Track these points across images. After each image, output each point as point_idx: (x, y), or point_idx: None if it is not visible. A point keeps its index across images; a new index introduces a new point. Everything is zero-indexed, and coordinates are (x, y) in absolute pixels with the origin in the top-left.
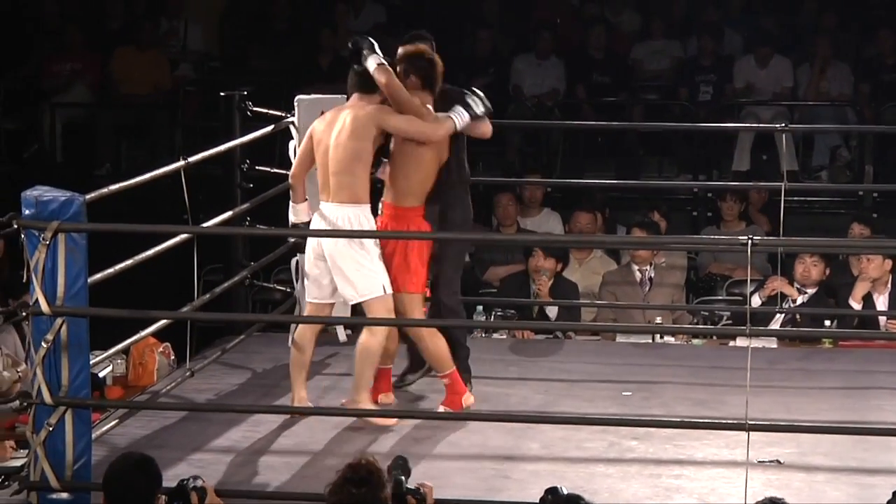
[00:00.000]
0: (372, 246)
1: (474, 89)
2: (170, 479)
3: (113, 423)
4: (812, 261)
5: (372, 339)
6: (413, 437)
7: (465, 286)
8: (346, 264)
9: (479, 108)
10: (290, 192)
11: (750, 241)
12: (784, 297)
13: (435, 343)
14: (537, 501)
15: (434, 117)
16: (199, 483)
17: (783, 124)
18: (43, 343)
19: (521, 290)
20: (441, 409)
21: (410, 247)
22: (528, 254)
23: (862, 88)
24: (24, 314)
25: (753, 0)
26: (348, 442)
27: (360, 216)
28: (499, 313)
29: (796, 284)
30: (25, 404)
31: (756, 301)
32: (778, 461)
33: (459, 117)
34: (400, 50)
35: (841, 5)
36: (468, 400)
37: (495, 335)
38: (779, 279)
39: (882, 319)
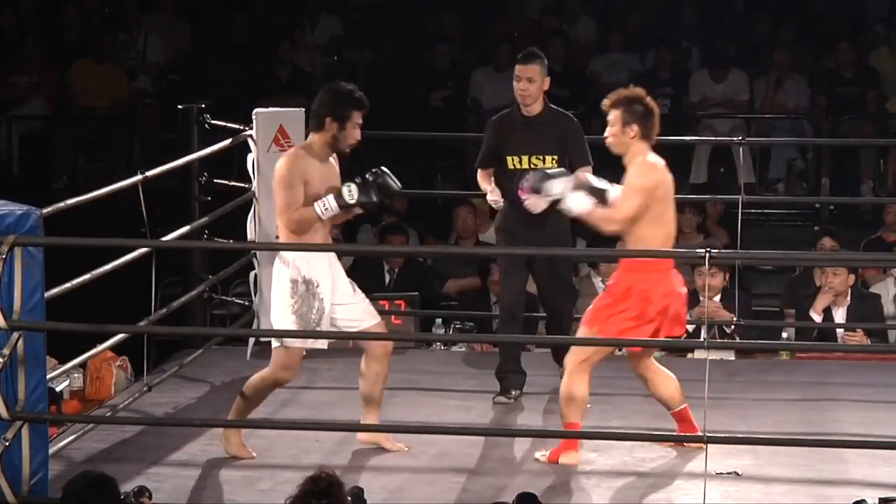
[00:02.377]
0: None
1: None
2: None
3: (70, 437)
4: (711, 271)
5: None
6: (372, 450)
7: (423, 299)
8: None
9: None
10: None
11: (707, 254)
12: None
13: (574, 383)
14: None
15: None
16: (143, 499)
17: (740, 137)
18: None
19: (480, 303)
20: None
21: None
22: (486, 268)
23: (818, 101)
24: None
25: (710, 13)
26: (306, 455)
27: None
28: (458, 326)
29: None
30: None
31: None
32: (736, 473)
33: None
34: (613, 95)
35: (797, 19)
36: (570, 459)
37: (454, 348)
38: (713, 303)
39: (839, 332)
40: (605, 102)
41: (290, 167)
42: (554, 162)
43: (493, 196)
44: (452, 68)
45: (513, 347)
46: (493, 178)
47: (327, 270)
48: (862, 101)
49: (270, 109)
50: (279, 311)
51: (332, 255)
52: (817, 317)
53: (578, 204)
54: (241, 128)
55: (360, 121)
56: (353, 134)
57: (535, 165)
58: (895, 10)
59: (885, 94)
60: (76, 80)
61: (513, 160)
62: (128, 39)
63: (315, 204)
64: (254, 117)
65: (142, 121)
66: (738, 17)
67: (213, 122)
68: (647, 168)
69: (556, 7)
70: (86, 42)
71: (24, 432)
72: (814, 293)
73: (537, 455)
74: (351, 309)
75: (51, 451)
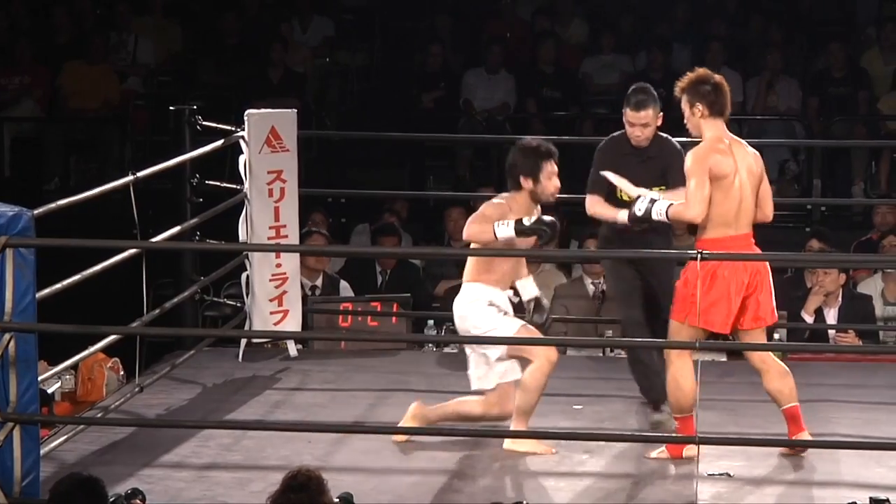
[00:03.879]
0: None
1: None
2: None
3: (62, 439)
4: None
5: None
6: (363, 451)
7: (416, 300)
8: None
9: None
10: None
11: (699, 255)
12: None
13: (676, 381)
14: None
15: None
16: (135, 501)
17: None
18: None
19: None
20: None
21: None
22: None
23: (810, 103)
24: None
25: (701, 15)
26: (298, 457)
27: None
28: (450, 327)
29: None
30: None
31: None
32: (728, 474)
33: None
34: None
35: (788, 20)
36: (689, 451)
37: (446, 349)
38: None
39: (831, 332)
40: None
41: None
42: (662, 191)
43: (623, 217)
44: (444, 70)
45: (647, 356)
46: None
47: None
48: (853, 103)
49: (262, 111)
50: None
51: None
52: (809, 318)
53: (656, 211)
54: (233, 129)
55: (553, 168)
56: (549, 185)
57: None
58: (885, 12)
59: (876, 95)
60: (67, 81)
61: (621, 192)
62: (119, 41)
63: (495, 223)
64: (245, 118)
65: (133, 122)
66: (729, 18)
67: (204, 123)
68: (703, 148)
69: (548, 8)
70: (77, 44)
71: (16, 434)
72: (805, 295)
73: (653, 454)
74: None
75: (42, 452)
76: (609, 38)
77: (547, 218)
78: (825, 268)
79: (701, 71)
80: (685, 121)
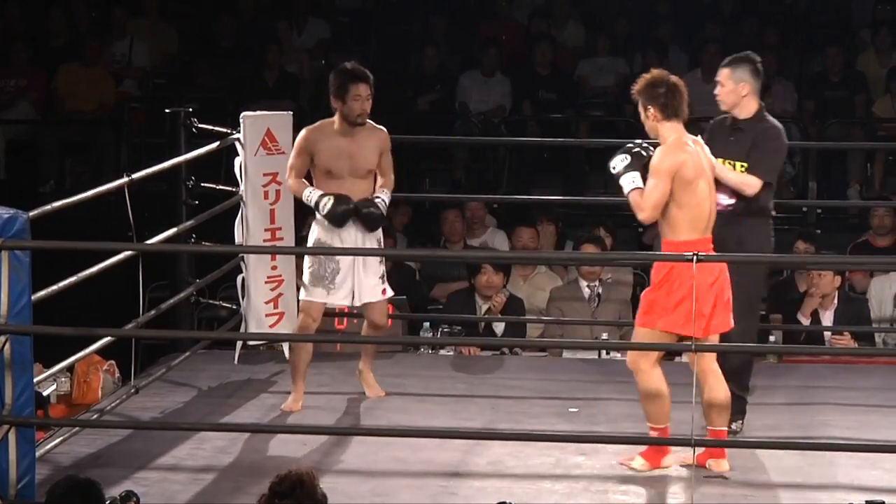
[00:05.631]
0: None
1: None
2: None
3: (57, 441)
4: None
5: None
6: (359, 454)
7: (412, 303)
8: None
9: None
10: None
11: (695, 257)
12: None
13: (647, 389)
14: None
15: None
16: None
17: None
18: None
19: (467, 307)
20: (640, 461)
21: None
22: (475, 271)
23: (806, 105)
24: None
25: (697, 17)
26: (293, 459)
27: None
28: (445, 329)
29: None
30: None
31: None
32: (723, 476)
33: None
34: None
35: (783, 23)
36: (667, 461)
37: (442, 351)
38: None
39: (827, 335)
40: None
41: (301, 138)
42: (743, 169)
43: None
44: (440, 72)
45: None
46: None
47: (351, 237)
48: (849, 105)
49: (258, 113)
50: (304, 269)
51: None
52: (805, 320)
53: (624, 185)
54: (229, 131)
55: (361, 92)
56: (355, 107)
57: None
58: (880, 15)
59: (871, 98)
60: (63, 83)
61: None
62: (114, 44)
63: (306, 190)
64: (241, 121)
65: (129, 124)
66: (724, 20)
67: (200, 125)
68: (669, 150)
69: (544, 11)
70: (73, 46)
71: (11, 436)
72: (798, 297)
73: (580, 460)
74: (368, 281)
75: (38, 454)
76: (605, 41)
77: (340, 200)
78: (821, 269)
79: (656, 72)
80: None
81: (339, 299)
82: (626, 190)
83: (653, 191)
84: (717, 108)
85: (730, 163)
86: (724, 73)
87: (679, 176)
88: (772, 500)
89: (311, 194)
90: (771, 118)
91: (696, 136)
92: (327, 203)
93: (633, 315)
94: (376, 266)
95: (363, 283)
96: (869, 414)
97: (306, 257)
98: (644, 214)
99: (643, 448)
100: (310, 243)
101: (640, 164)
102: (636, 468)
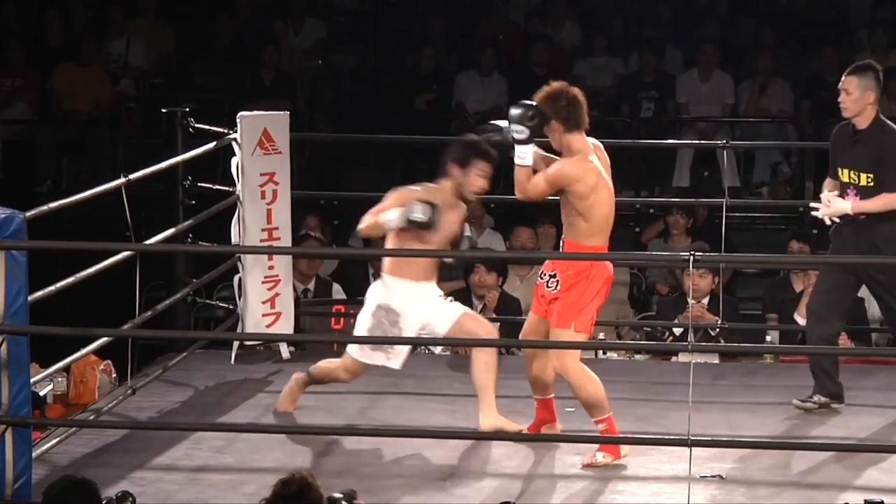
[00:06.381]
0: None
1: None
2: None
3: (54, 441)
4: (700, 273)
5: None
6: (355, 454)
7: None
8: None
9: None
10: None
11: (691, 258)
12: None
13: (583, 386)
14: None
15: None
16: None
17: (724, 141)
18: None
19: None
20: (602, 456)
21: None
22: (469, 271)
23: (802, 105)
24: None
25: (693, 17)
26: (291, 459)
27: None
28: None
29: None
30: None
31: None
32: (720, 476)
33: None
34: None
35: (781, 23)
36: (625, 449)
37: (437, 351)
38: (698, 306)
39: None
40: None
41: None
42: (869, 180)
43: (814, 204)
44: (437, 72)
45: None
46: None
47: (412, 306)
48: None
49: (255, 113)
50: (358, 325)
51: (428, 291)
52: (802, 320)
53: (517, 157)
54: (226, 131)
55: (484, 171)
56: (475, 181)
57: (853, 181)
58: (878, 15)
59: None
60: (59, 83)
61: (841, 172)
62: (111, 43)
63: (388, 212)
64: (238, 121)
65: (125, 124)
66: (721, 20)
67: (197, 125)
68: (569, 164)
69: (541, 11)
70: (69, 46)
71: (8, 436)
72: (793, 297)
73: (576, 459)
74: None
75: (34, 454)
76: (601, 41)
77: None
78: (816, 269)
79: (556, 85)
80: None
81: (397, 364)
82: (516, 161)
83: (536, 188)
84: (715, 107)
85: (854, 173)
86: (851, 82)
87: (576, 189)
88: (769, 500)
89: (397, 211)
90: (889, 124)
91: (595, 139)
92: (423, 208)
93: (631, 315)
94: (434, 298)
95: (434, 321)
96: (865, 414)
97: (367, 322)
98: (520, 196)
99: (596, 445)
100: (370, 305)
101: (533, 137)
102: (603, 462)
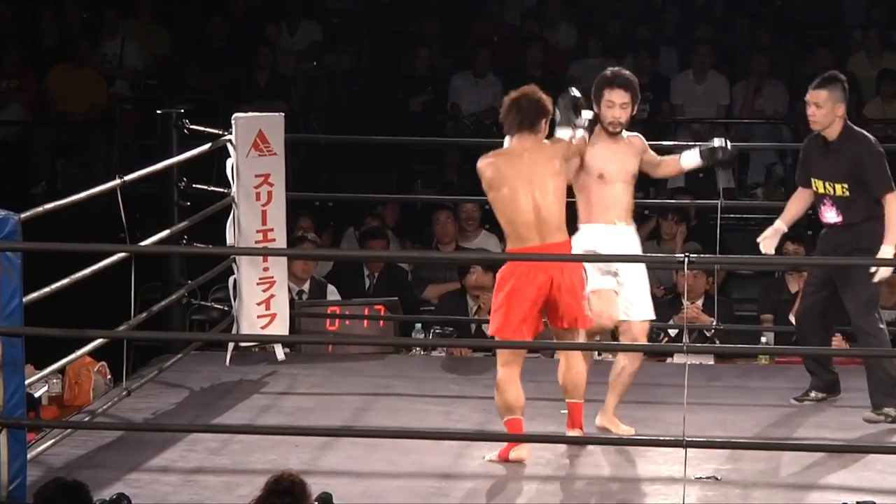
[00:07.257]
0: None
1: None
2: None
3: (49, 443)
4: (694, 273)
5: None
6: (351, 455)
7: (403, 304)
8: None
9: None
10: None
11: (686, 259)
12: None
13: (499, 384)
14: None
15: None
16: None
17: None
18: None
19: (459, 308)
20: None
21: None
22: (465, 272)
23: (797, 106)
24: None
25: (688, 18)
26: (285, 460)
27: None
28: (437, 331)
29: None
30: None
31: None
32: (715, 477)
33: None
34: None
35: (774, 24)
36: (519, 452)
37: (434, 353)
38: (693, 307)
39: None
40: None
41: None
42: (844, 190)
43: (766, 234)
44: (431, 73)
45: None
46: (806, 199)
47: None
48: None
49: (250, 114)
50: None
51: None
52: None
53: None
54: (220, 133)
55: (614, 98)
56: (608, 113)
57: (828, 192)
58: (872, 16)
59: (862, 100)
60: (54, 85)
61: (815, 183)
62: (105, 45)
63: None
64: (233, 122)
65: (120, 126)
66: (716, 22)
67: (192, 126)
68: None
69: (536, 12)
70: (64, 47)
71: (3, 438)
72: (789, 299)
73: (487, 456)
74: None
75: (29, 456)
76: (596, 42)
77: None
78: (804, 270)
79: (526, 90)
80: None
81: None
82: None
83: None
84: (710, 108)
85: (829, 184)
86: (821, 95)
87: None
88: (764, 500)
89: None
90: (856, 129)
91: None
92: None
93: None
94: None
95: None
96: (860, 415)
97: (593, 276)
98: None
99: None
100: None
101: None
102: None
